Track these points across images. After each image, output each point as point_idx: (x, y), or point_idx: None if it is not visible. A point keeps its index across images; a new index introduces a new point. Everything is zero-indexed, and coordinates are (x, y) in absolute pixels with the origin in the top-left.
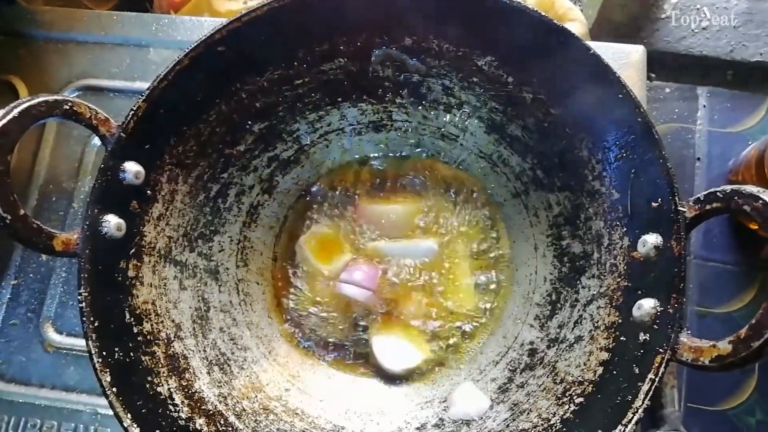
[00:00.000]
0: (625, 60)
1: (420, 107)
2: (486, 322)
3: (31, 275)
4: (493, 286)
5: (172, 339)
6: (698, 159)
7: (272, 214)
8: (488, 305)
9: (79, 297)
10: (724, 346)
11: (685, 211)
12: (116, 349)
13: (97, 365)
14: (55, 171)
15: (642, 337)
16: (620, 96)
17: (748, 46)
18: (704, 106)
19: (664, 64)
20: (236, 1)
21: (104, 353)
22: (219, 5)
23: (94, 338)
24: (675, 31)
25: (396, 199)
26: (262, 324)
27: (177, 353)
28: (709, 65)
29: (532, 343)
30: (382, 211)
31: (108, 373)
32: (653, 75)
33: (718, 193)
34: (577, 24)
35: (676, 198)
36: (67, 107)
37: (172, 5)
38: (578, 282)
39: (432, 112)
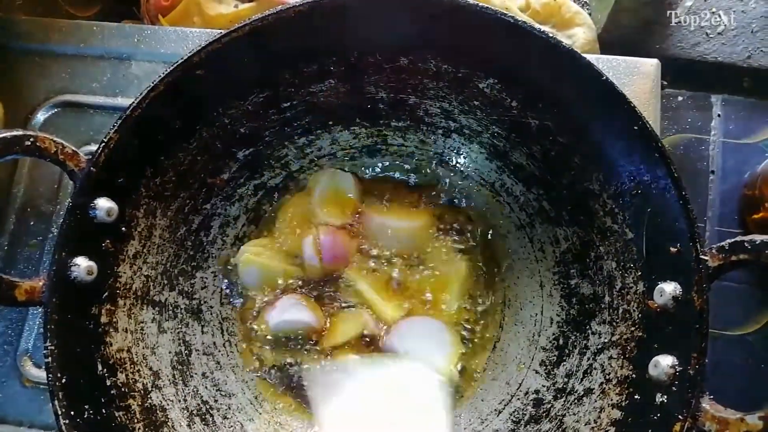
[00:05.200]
0: (639, 74)
1: (417, 131)
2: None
3: None
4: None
5: (150, 389)
6: (712, 172)
7: None
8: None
9: (44, 352)
10: (754, 421)
11: (707, 260)
12: (86, 406)
13: (63, 428)
14: (33, 193)
15: (659, 398)
16: (635, 128)
17: (766, 51)
18: (719, 115)
19: (676, 71)
20: (227, 5)
21: (72, 413)
22: (209, 9)
23: (61, 397)
24: (688, 36)
25: (404, 213)
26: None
27: (155, 405)
28: (725, 72)
29: (537, 391)
30: (390, 224)
31: None
32: (665, 83)
33: (745, 244)
34: (584, 29)
35: (698, 245)
36: (29, 143)
37: (161, 10)
38: (588, 327)
39: (430, 137)
